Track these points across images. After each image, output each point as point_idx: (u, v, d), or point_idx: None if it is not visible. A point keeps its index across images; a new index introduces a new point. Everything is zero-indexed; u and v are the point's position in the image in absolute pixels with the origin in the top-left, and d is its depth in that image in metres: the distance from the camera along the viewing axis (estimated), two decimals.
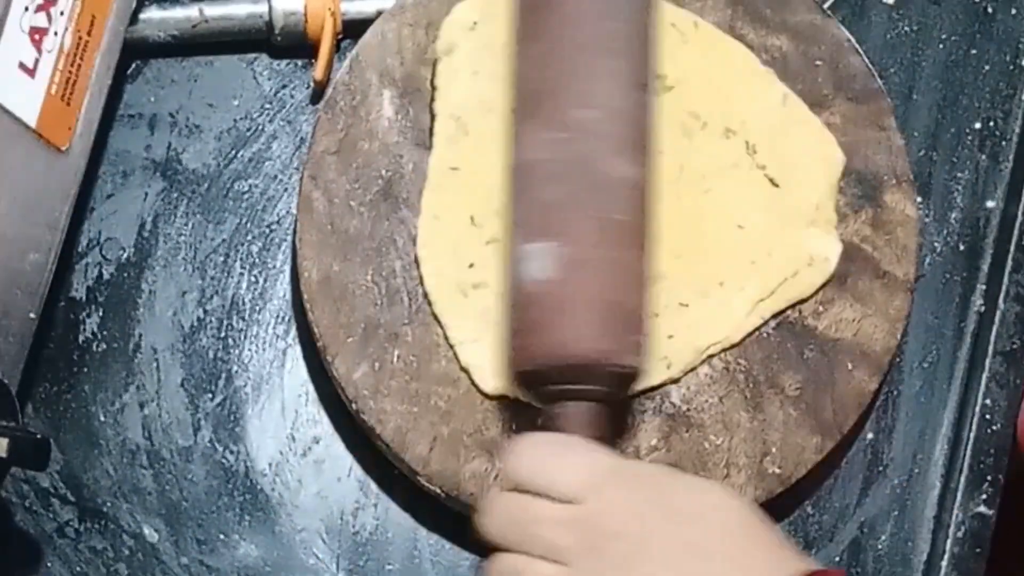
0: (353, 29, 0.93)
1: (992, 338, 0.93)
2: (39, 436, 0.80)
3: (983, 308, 0.94)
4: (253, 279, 0.91)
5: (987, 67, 0.98)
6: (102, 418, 0.88)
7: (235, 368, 0.90)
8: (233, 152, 0.93)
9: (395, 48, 0.90)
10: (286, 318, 0.90)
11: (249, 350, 0.90)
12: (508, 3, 0.87)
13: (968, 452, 0.91)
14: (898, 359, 0.92)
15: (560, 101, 0.82)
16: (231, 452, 0.89)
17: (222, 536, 0.87)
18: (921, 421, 0.92)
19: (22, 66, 0.81)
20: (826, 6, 0.96)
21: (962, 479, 0.91)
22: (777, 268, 0.89)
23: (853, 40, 0.93)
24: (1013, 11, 0.99)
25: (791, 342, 0.89)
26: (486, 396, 0.86)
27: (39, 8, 0.82)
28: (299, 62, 0.94)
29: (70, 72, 0.84)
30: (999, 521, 0.91)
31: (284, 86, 0.94)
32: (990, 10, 0.99)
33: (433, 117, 0.89)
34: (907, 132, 0.95)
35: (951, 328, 0.94)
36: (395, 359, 0.86)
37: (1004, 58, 0.98)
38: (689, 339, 0.87)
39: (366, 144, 0.89)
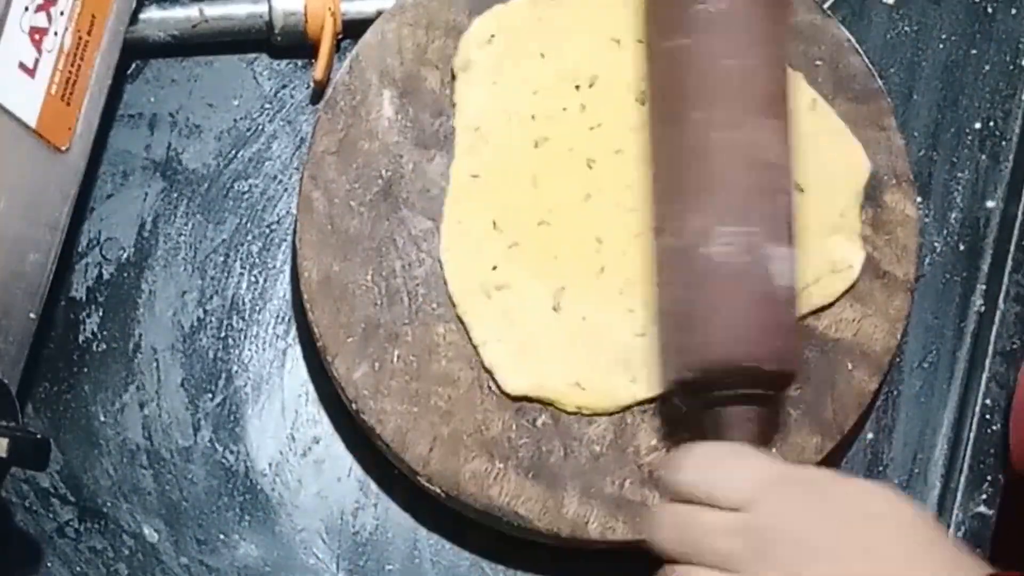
0: (353, 29, 0.93)
1: (992, 338, 0.93)
2: (39, 436, 0.80)
3: (983, 308, 0.94)
4: (253, 279, 0.91)
5: (987, 67, 0.98)
6: (102, 418, 0.88)
7: (235, 368, 0.90)
8: (233, 152, 0.93)
9: (395, 48, 0.90)
10: (286, 318, 0.90)
11: (249, 350, 0.90)
12: (524, 15, 0.90)
13: (968, 452, 0.91)
14: (898, 359, 0.92)
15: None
16: (231, 452, 0.89)
17: (222, 536, 0.87)
18: (921, 421, 0.92)
19: (22, 66, 0.81)
20: (826, 6, 0.96)
21: (962, 479, 0.91)
22: (801, 274, 0.88)
23: (853, 40, 0.93)
24: (1013, 11, 0.99)
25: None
26: (507, 396, 0.86)
27: (39, 8, 0.82)
28: (299, 62, 0.94)
29: (70, 72, 0.84)
30: (999, 521, 0.91)
31: (284, 86, 0.94)
32: (990, 10, 0.99)
33: (442, 118, 0.89)
34: (907, 132, 0.95)
35: (951, 328, 0.94)
36: (395, 359, 0.86)
37: (1004, 58, 0.98)
38: None
39: (366, 144, 0.89)
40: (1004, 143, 0.97)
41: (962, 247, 0.95)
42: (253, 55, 0.94)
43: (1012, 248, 0.94)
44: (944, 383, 0.93)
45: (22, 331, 0.82)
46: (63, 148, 0.84)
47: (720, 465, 0.77)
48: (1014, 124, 0.97)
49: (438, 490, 0.85)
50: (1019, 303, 0.94)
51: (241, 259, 0.91)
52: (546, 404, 0.86)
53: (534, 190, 0.89)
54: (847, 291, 0.89)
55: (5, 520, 0.86)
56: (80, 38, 0.85)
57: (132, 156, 0.92)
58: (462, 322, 0.87)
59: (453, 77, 0.90)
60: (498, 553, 0.88)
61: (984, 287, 0.94)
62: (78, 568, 0.86)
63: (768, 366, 0.81)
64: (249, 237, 0.92)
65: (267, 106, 0.94)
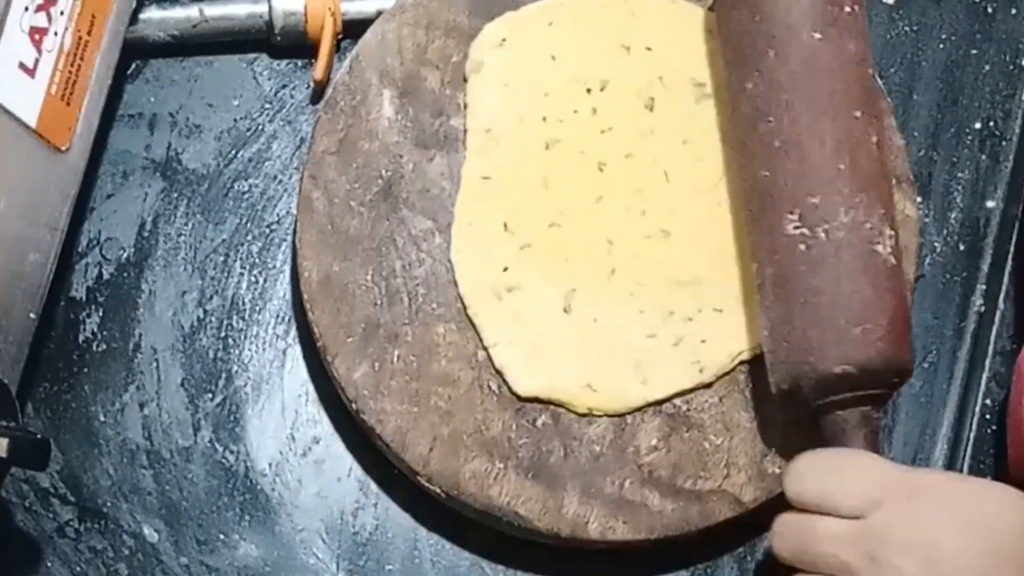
0: (353, 29, 0.93)
1: (992, 338, 0.93)
2: (39, 436, 0.80)
3: (983, 308, 0.94)
4: (253, 279, 0.91)
5: (987, 67, 0.98)
6: (102, 418, 0.88)
7: (235, 368, 0.90)
8: (233, 152, 0.93)
9: (395, 48, 0.90)
10: (286, 318, 0.91)
11: (249, 350, 0.90)
12: (536, 19, 0.90)
13: (968, 452, 0.91)
14: None
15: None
16: (231, 452, 0.89)
17: (222, 536, 0.87)
18: (921, 421, 0.92)
19: (22, 66, 0.81)
20: None
21: None
22: None
23: None
24: (1013, 11, 0.99)
25: None
26: (519, 398, 0.86)
27: (39, 8, 0.82)
28: (299, 62, 0.94)
29: (70, 72, 0.84)
30: None
31: (284, 86, 0.94)
32: (990, 10, 0.99)
33: (442, 118, 0.89)
34: (907, 132, 0.95)
35: (951, 328, 0.94)
36: (395, 359, 0.86)
37: (1004, 58, 0.98)
38: (723, 344, 0.87)
39: (366, 144, 0.89)
40: (1004, 143, 0.97)
41: (962, 247, 0.95)
42: (253, 55, 0.94)
43: (1012, 248, 0.94)
44: (944, 383, 0.93)
45: (22, 331, 0.83)
46: (63, 148, 0.84)
47: (839, 473, 0.77)
48: (1014, 124, 0.97)
49: (438, 490, 0.85)
50: (1019, 303, 0.94)
51: (241, 259, 0.91)
52: (557, 405, 0.86)
53: (545, 192, 0.89)
54: None
55: (5, 520, 0.86)
56: (80, 38, 0.85)
57: (132, 156, 0.92)
58: (472, 324, 0.87)
59: (464, 79, 0.90)
60: (498, 553, 0.88)
61: (984, 287, 0.94)
62: (78, 568, 0.86)
63: (887, 364, 0.81)
64: (249, 237, 0.92)
65: (267, 106, 0.94)
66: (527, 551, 0.87)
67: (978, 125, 0.97)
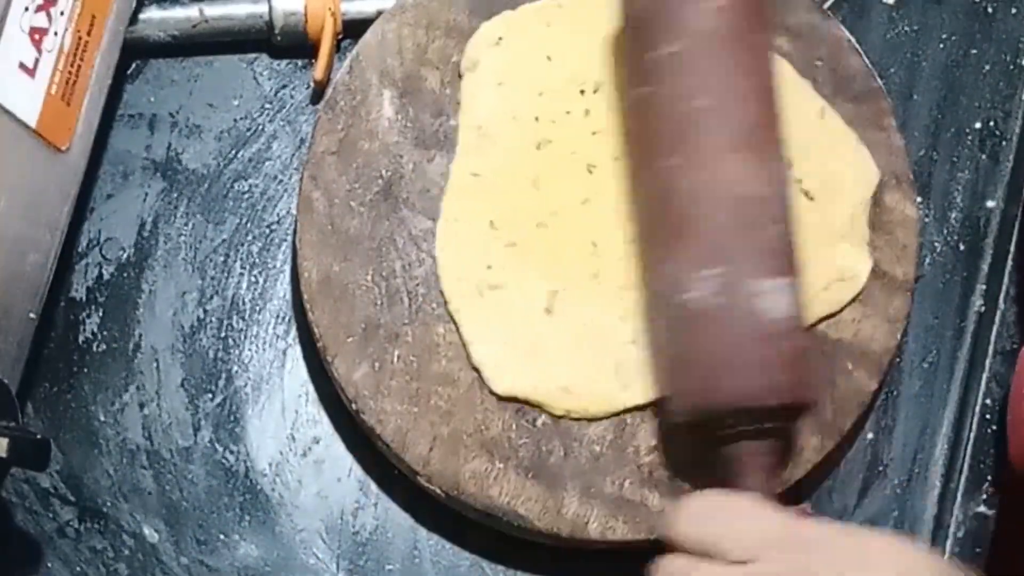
0: (353, 29, 0.93)
1: (992, 338, 0.93)
2: (39, 436, 0.80)
3: (983, 308, 0.94)
4: (253, 279, 0.91)
5: (987, 67, 0.98)
6: (102, 418, 0.88)
7: (235, 368, 0.90)
8: (233, 152, 0.93)
9: (395, 48, 0.90)
10: (286, 318, 0.91)
11: (249, 350, 0.90)
12: (533, 19, 0.90)
13: (968, 452, 0.91)
14: (898, 359, 0.92)
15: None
16: (231, 452, 0.89)
17: (222, 536, 0.87)
18: (921, 421, 0.92)
19: (22, 66, 0.81)
20: (826, 6, 0.96)
21: (962, 479, 0.91)
22: (808, 282, 0.88)
23: (853, 40, 0.93)
24: (1013, 11, 0.99)
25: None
26: (497, 396, 0.86)
27: (39, 8, 0.82)
28: (299, 62, 0.94)
29: (70, 72, 0.84)
30: (999, 521, 0.91)
31: (284, 86, 0.94)
32: (990, 10, 0.99)
33: (442, 118, 0.90)
34: (907, 132, 0.95)
35: (951, 328, 0.94)
36: (395, 359, 0.86)
37: (1004, 58, 0.98)
38: None
39: (366, 144, 0.89)
40: (1004, 143, 0.97)
41: (962, 247, 0.95)
42: (253, 55, 0.94)
43: (1012, 248, 0.94)
44: (944, 383, 0.93)
45: (22, 331, 0.83)
46: (63, 148, 0.84)
47: (727, 517, 0.76)
48: (1014, 124, 0.97)
49: (438, 490, 0.85)
50: (1019, 303, 0.94)
51: (241, 259, 0.91)
52: (533, 406, 0.86)
53: (534, 191, 0.89)
54: (854, 299, 0.89)
55: (5, 520, 0.86)
56: (80, 38, 0.85)
57: (132, 156, 0.92)
58: (453, 320, 0.87)
59: (460, 76, 0.90)
60: (498, 553, 0.88)
61: (984, 287, 0.94)
62: (78, 568, 0.86)
63: (769, 401, 0.80)
64: (249, 237, 0.92)
65: (267, 106, 0.94)
66: (527, 551, 0.87)
67: (978, 125, 0.97)
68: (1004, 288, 0.94)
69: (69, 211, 0.85)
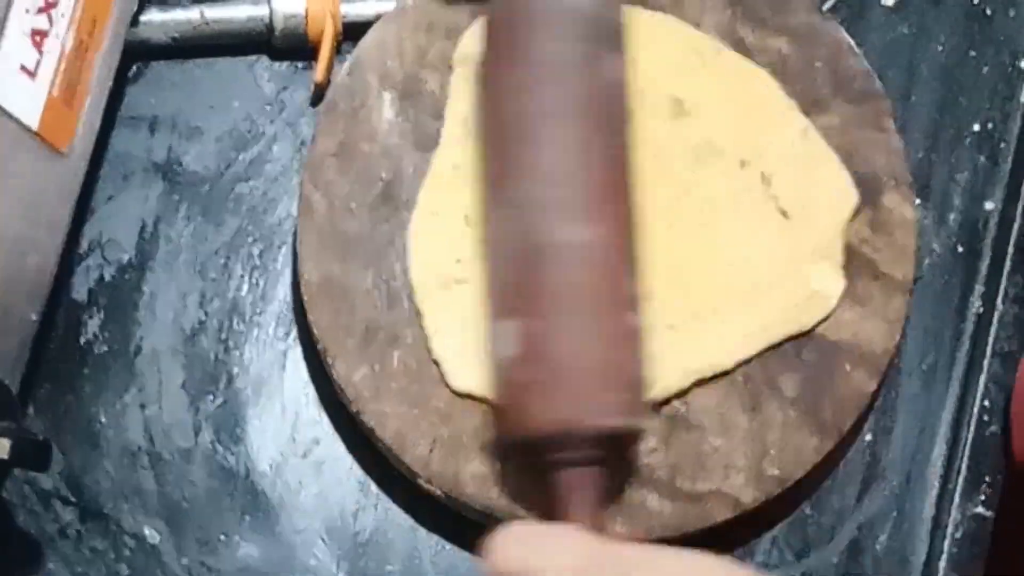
0: (353, 31, 0.93)
1: (990, 340, 0.93)
2: (40, 438, 0.80)
3: (981, 310, 0.94)
4: (254, 281, 0.91)
5: (986, 69, 0.98)
6: (103, 420, 0.89)
7: (236, 370, 0.90)
8: (234, 154, 0.93)
9: (395, 51, 0.91)
10: (287, 320, 0.91)
11: (250, 352, 0.90)
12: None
13: (966, 454, 0.91)
14: (897, 360, 0.92)
15: (509, 175, 0.82)
16: (232, 453, 0.89)
17: (223, 537, 0.88)
18: (920, 422, 0.92)
19: (23, 68, 0.82)
20: (825, 8, 0.96)
21: (960, 480, 0.91)
22: (777, 300, 0.88)
23: (852, 42, 0.94)
24: (1012, 13, 0.99)
25: (789, 343, 0.89)
26: (455, 393, 0.86)
27: (40, 10, 0.82)
28: (299, 64, 0.94)
29: (71, 74, 0.85)
30: (997, 522, 0.91)
31: (284, 88, 0.94)
32: (989, 12, 0.99)
33: (442, 121, 0.90)
34: (906, 134, 0.95)
35: (950, 330, 0.94)
36: (395, 361, 0.86)
37: (1003, 60, 0.98)
38: (676, 362, 0.87)
39: (366, 146, 0.89)
40: (1003, 145, 0.97)
41: (961, 249, 0.95)
42: (254, 57, 0.94)
43: (1010, 250, 0.94)
44: (943, 385, 0.93)
45: (23, 332, 0.83)
46: (64, 150, 0.84)
47: (541, 545, 0.74)
48: (1013, 126, 0.97)
49: (438, 491, 0.85)
50: (1018, 305, 0.94)
51: (242, 261, 0.91)
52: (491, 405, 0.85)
53: None
54: (824, 320, 0.89)
55: (6, 521, 0.87)
56: (81, 40, 0.85)
57: (133, 158, 0.92)
58: (418, 312, 0.86)
59: (450, 68, 0.90)
60: None
61: (983, 289, 0.95)
62: (79, 569, 0.87)
63: (589, 425, 0.79)
64: (250, 239, 0.92)
65: (267, 108, 0.94)
66: None
67: (977, 127, 0.97)
68: (1003, 290, 0.94)
69: (70, 213, 0.86)
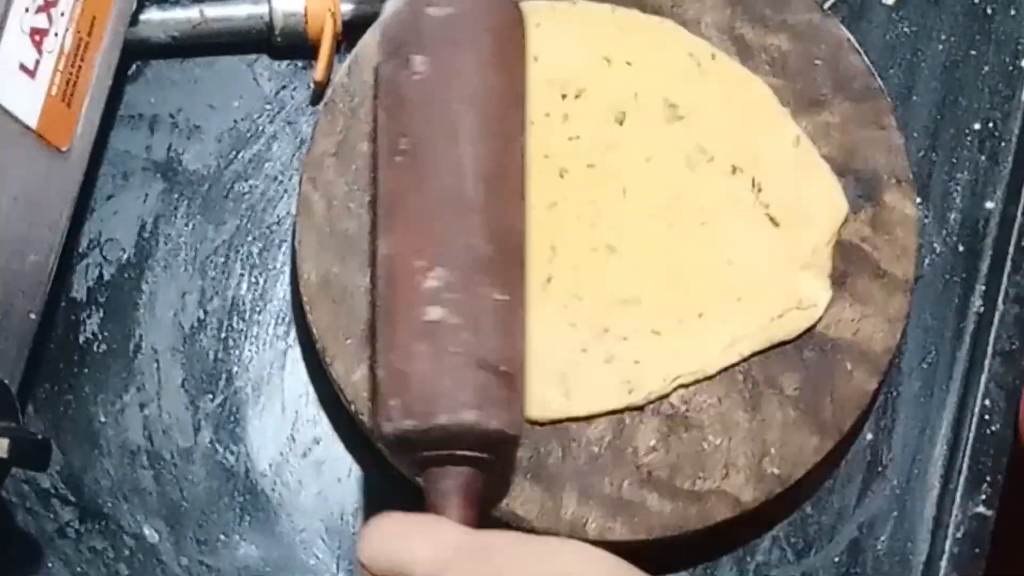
0: (353, 30, 0.93)
1: (991, 339, 0.93)
2: (40, 437, 0.80)
3: (982, 309, 0.94)
4: (253, 280, 0.91)
5: (986, 68, 0.98)
6: (102, 419, 0.89)
7: (235, 369, 0.90)
8: (233, 153, 0.93)
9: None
10: (286, 319, 0.91)
11: (249, 351, 0.90)
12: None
13: (967, 453, 0.91)
14: (897, 359, 0.92)
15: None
16: (231, 453, 0.89)
17: (222, 537, 0.88)
18: (920, 422, 0.92)
19: (23, 67, 0.81)
20: (826, 6, 0.96)
21: (961, 480, 0.91)
22: (763, 307, 0.88)
23: (853, 40, 0.93)
24: (1013, 12, 0.99)
25: (789, 342, 0.89)
26: None
27: (40, 9, 0.82)
28: (299, 63, 0.94)
29: (71, 73, 0.84)
30: (999, 521, 0.91)
31: (284, 87, 0.94)
32: (990, 11, 0.99)
33: None
34: (907, 132, 0.95)
35: (950, 329, 0.94)
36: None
37: (1003, 59, 0.98)
38: (657, 367, 0.87)
39: (365, 146, 0.89)
40: (1003, 144, 0.97)
41: (961, 248, 0.95)
42: (253, 56, 0.94)
43: (1011, 249, 0.94)
44: (943, 384, 0.93)
45: (23, 332, 0.83)
46: (63, 149, 0.84)
47: (407, 537, 0.74)
48: (1013, 125, 0.97)
49: None
50: (1018, 304, 0.94)
51: (241, 260, 0.91)
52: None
53: None
54: (811, 328, 0.89)
55: (5, 521, 0.87)
56: (81, 39, 0.85)
57: (132, 157, 0.92)
58: None
59: None
60: None
61: (983, 288, 0.94)
62: (79, 568, 0.87)
63: (482, 426, 0.77)
64: (249, 238, 0.92)
65: (267, 107, 0.94)
66: None
67: (977, 126, 0.97)
68: (1003, 289, 0.94)
69: (69, 212, 0.85)
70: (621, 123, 0.90)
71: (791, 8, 0.93)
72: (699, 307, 0.88)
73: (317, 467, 0.89)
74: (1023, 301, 0.94)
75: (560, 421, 0.86)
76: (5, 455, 0.77)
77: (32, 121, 0.82)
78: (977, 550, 0.90)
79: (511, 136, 0.82)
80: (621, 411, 0.87)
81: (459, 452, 0.77)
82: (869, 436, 0.92)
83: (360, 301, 0.87)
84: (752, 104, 0.92)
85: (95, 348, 0.89)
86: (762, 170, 0.90)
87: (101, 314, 0.90)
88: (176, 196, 0.92)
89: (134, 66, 0.93)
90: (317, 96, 0.93)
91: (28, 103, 0.82)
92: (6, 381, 0.80)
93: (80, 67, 0.85)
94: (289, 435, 0.89)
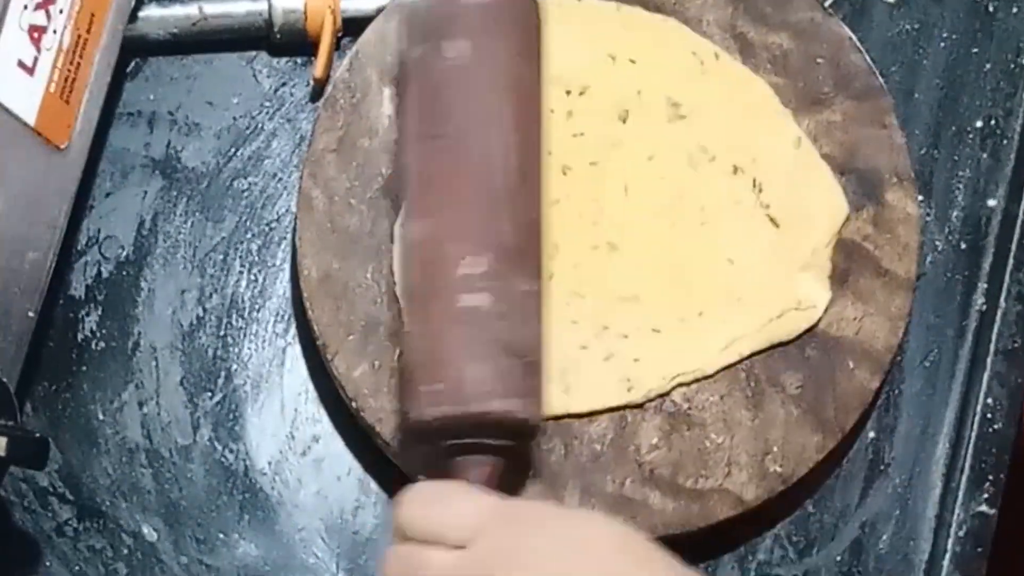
0: (353, 27, 0.93)
1: (993, 337, 0.93)
2: (38, 435, 0.80)
3: (984, 307, 0.94)
4: (252, 277, 0.91)
5: (988, 65, 0.98)
6: (101, 417, 0.88)
7: (234, 367, 0.89)
8: (232, 150, 0.93)
9: (395, 46, 0.90)
10: (286, 316, 0.90)
11: (248, 348, 0.90)
12: None
13: (969, 451, 0.91)
14: (899, 358, 0.92)
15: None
16: (230, 451, 0.88)
17: (221, 535, 0.87)
18: (922, 420, 0.92)
19: (21, 64, 0.81)
20: (827, 4, 0.96)
21: (963, 478, 0.91)
22: (763, 307, 0.88)
23: (854, 38, 0.93)
24: (1014, 9, 0.99)
25: (789, 342, 0.89)
26: None
27: (38, 6, 0.82)
28: (299, 60, 0.94)
29: (69, 70, 0.84)
30: (1001, 520, 0.91)
31: (284, 84, 0.94)
32: (991, 8, 0.99)
33: None
34: (908, 130, 0.95)
35: (952, 327, 0.94)
36: (395, 358, 0.86)
37: (1005, 56, 0.98)
38: (656, 366, 0.87)
39: (366, 142, 0.89)
40: (1005, 141, 0.97)
41: (963, 246, 0.95)
42: (253, 53, 0.94)
43: (1013, 247, 0.94)
44: (945, 382, 0.93)
45: (21, 329, 0.82)
46: (62, 146, 0.84)
47: (442, 503, 0.76)
48: (1015, 123, 0.97)
49: None
50: (1020, 302, 0.94)
51: (241, 257, 0.91)
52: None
53: None
54: (810, 329, 0.89)
55: (4, 519, 0.86)
56: (79, 36, 0.85)
57: (131, 154, 0.92)
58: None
59: None
60: None
61: (986, 286, 0.94)
62: (77, 567, 0.86)
63: (512, 415, 0.78)
64: (248, 235, 0.91)
65: (267, 104, 0.94)
66: None
67: (979, 123, 0.97)
68: (1005, 287, 0.94)
69: (68, 209, 0.85)
70: (624, 121, 0.90)
71: (793, 6, 0.93)
72: (699, 306, 0.88)
73: (317, 465, 0.88)
74: None
75: (560, 417, 0.86)
76: (3, 453, 0.77)
77: (30, 118, 0.82)
78: (979, 549, 0.90)
79: (537, 128, 0.82)
80: (622, 408, 0.86)
81: (487, 441, 0.78)
82: (871, 434, 0.92)
83: (361, 297, 0.86)
84: (754, 105, 0.92)
85: (94, 346, 0.89)
86: (763, 171, 0.90)
87: (100, 312, 0.90)
88: (175, 193, 0.92)
89: (133, 63, 0.93)
90: (316, 93, 0.93)
91: (26, 100, 0.82)
92: (4, 379, 0.80)
93: (79, 64, 0.85)
94: (288, 433, 0.89)
